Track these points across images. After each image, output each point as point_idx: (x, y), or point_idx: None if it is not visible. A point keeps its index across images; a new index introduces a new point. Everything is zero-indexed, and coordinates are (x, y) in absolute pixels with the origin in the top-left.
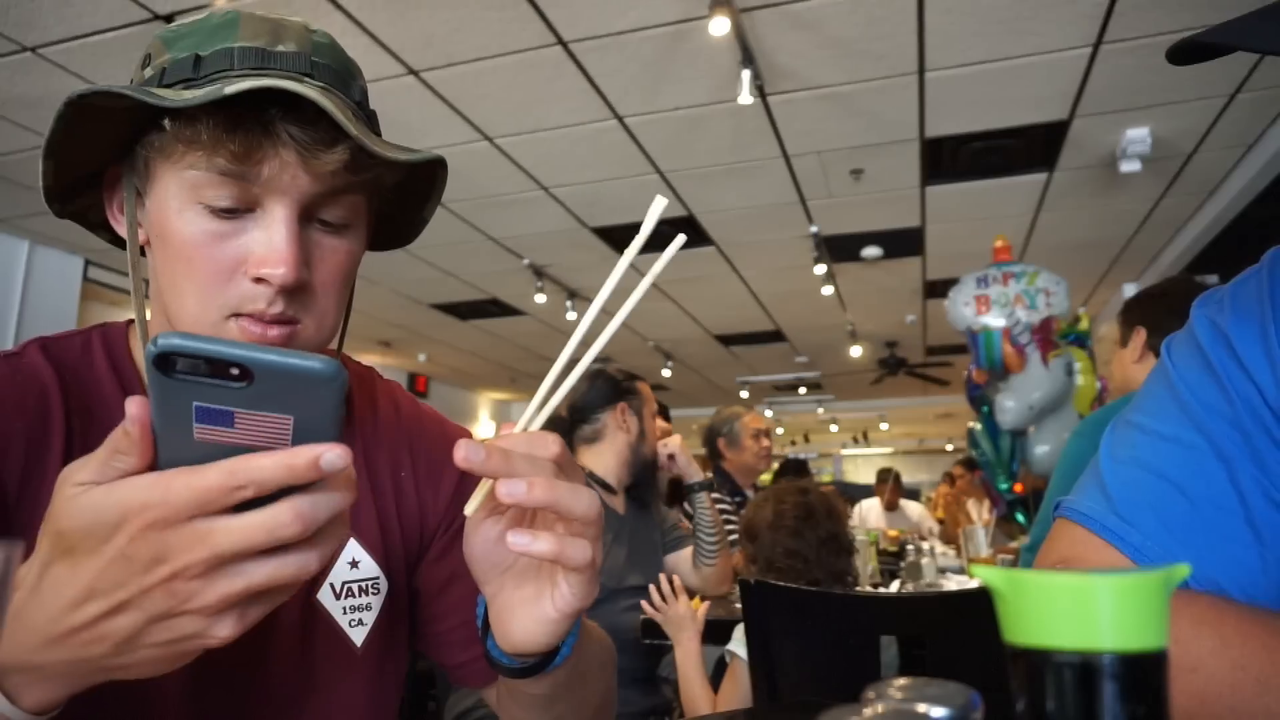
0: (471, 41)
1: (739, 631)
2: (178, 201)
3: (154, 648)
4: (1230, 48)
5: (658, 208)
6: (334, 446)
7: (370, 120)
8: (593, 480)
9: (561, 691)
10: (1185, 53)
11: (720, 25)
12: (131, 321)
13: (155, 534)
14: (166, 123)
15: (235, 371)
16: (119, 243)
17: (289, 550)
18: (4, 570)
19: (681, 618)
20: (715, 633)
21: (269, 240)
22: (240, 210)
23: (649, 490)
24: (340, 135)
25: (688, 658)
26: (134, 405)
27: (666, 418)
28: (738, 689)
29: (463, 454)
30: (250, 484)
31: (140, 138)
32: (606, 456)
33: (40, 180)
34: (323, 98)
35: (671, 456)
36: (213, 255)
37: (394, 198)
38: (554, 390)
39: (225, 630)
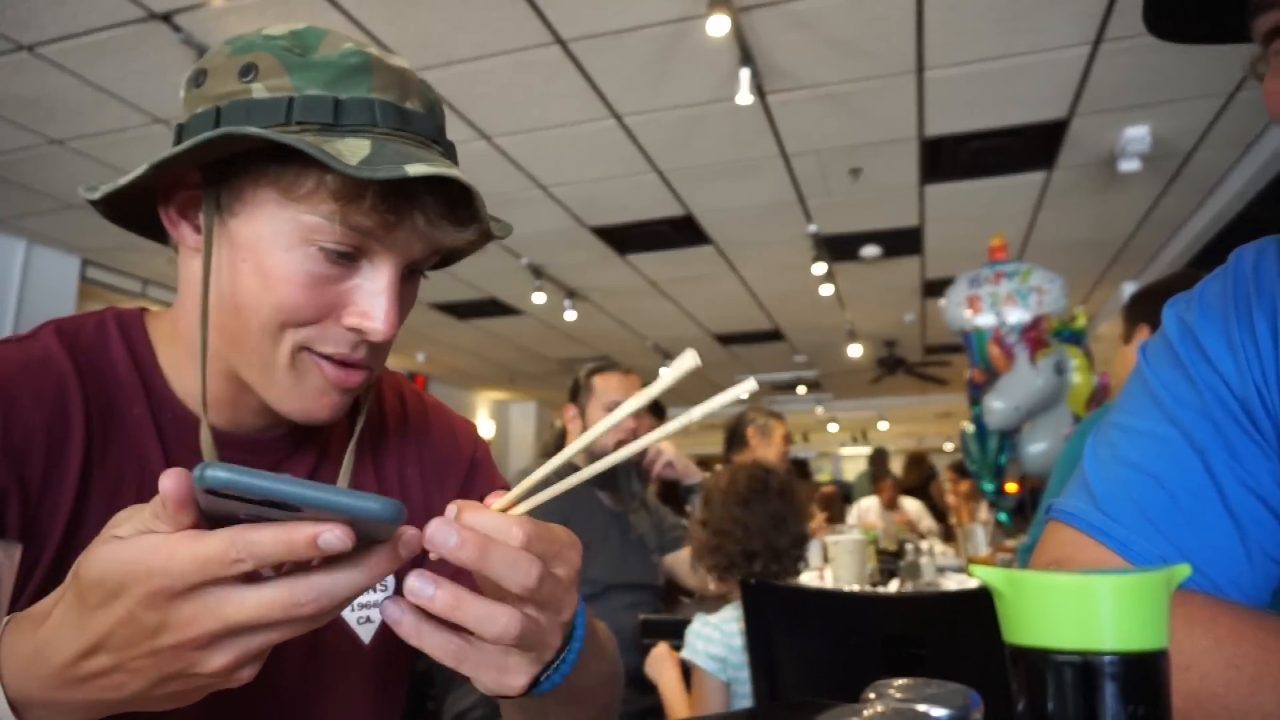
0: (469, 40)
1: (691, 635)
2: (287, 239)
3: (172, 693)
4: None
5: (688, 362)
6: (334, 527)
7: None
8: None
9: (553, 708)
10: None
11: (719, 24)
12: (145, 310)
13: (162, 601)
14: (329, 178)
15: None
16: (147, 231)
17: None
18: (2, 570)
19: (660, 659)
20: None
21: (375, 297)
22: (350, 258)
23: (614, 483)
24: (470, 216)
25: (670, 690)
26: (169, 480)
27: (660, 414)
28: (708, 701)
29: (434, 539)
30: (249, 556)
31: (240, 159)
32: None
33: (124, 177)
34: (470, 185)
35: (670, 464)
36: (312, 297)
37: None
38: (543, 486)
39: (244, 676)
